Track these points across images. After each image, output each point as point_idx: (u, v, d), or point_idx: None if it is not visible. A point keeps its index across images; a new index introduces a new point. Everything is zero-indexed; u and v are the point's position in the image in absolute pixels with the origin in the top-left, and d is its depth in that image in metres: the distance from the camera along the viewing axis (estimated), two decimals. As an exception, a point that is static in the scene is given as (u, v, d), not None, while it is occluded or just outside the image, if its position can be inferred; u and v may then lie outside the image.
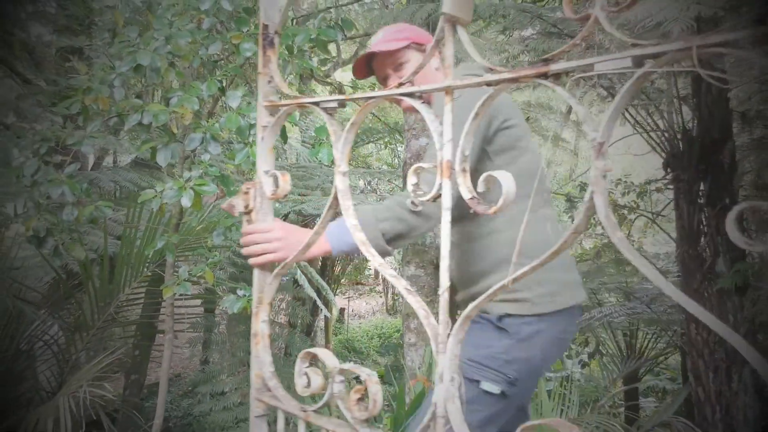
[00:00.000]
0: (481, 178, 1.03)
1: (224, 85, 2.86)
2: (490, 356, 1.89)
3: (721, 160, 3.46)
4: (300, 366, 1.21)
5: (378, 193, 9.74)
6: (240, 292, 3.06)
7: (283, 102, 1.34)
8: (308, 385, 1.20)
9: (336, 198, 1.19)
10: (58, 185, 2.77)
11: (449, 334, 1.05)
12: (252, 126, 2.65)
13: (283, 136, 2.89)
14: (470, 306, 1.03)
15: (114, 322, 4.53)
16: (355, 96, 1.21)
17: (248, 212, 1.43)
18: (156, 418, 3.72)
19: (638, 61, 0.79)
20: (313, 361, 1.21)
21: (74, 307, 4.72)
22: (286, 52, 2.76)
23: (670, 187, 4.02)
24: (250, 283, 4.58)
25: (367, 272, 17.60)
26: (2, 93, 4.52)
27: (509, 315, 1.93)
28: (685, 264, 3.79)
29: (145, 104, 2.68)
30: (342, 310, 15.10)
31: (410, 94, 1.13)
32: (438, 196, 1.05)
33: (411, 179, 1.08)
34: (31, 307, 4.45)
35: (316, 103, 1.27)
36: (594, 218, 7.24)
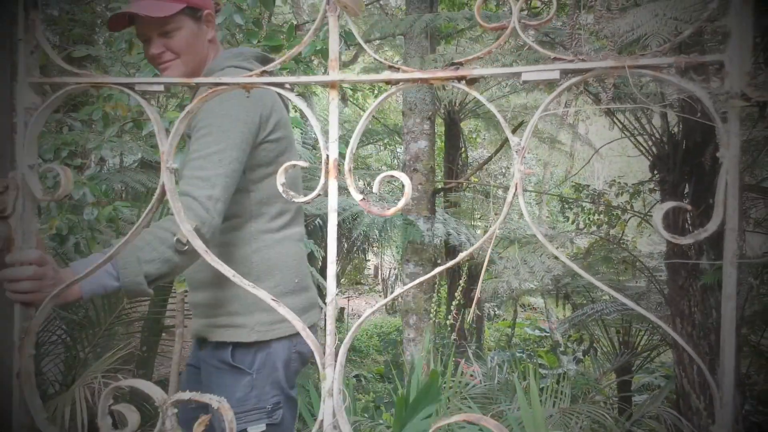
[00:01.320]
0: (379, 177, 0.99)
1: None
2: (240, 401, 1.80)
3: (704, 163, 3.65)
4: (104, 404, 1.00)
5: (378, 194, 9.88)
6: (249, 288, 3.23)
7: (65, 79, 1.08)
8: (117, 426, 0.99)
9: (160, 200, 1.03)
10: (79, 187, 2.95)
11: (338, 345, 0.98)
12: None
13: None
14: (367, 312, 0.99)
15: (122, 319, 4.69)
16: (198, 80, 1.06)
17: (4, 218, 1.07)
18: (167, 409, 3.88)
19: (566, 74, 0.91)
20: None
21: (82, 304, 4.88)
22: (294, 63, 2.95)
23: (657, 189, 4.22)
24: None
25: (366, 272, 17.78)
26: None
27: (237, 346, 1.83)
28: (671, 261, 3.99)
29: (161, 111, 2.86)
30: (341, 310, 15.24)
31: (280, 84, 1.02)
32: (317, 197, 0.97)
33: (280, 178, 1.00)
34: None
35: (130, 86, 1.05)
36: (589, 218, 7.38)
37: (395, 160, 13.55)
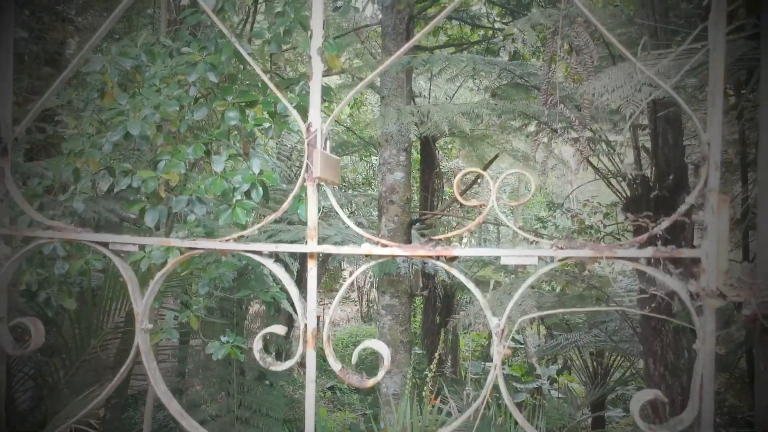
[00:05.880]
0: (357, 348, 0.97)
1: (209, 149, 3.01)
2: None
3: (677, 208, 3.68)
4: None
5: (353, 205, 9.89)
6: (224, 338, 3.21)
7: (37, 233, 1.04)
8: None
9: (134, 359, 1.00)
10: (49, 242, 2.89)
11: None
12: (236, 189, 2.81)
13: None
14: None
15: (96, 353, 4.62)
16: (175, 242, 1.06)
17: None
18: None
19: (544, 259, 0.92)
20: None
21: (54, 335, 4.80)
22: (269, 117, 2.91)
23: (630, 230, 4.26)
24: (228, 327, 4.68)
25: (342, 280, 17.73)
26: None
27: None
28: (644, 303, 4.03)
29: (134, 169, 2.82)
30: (317, 318, 15.18)
31: (258, 252, 1.02)
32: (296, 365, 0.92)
33: (257, 345, 0.99)
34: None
35: (103, 244, 1.01)
36: (562, 236, 7.37)
37: (371, 171, 13.62)
